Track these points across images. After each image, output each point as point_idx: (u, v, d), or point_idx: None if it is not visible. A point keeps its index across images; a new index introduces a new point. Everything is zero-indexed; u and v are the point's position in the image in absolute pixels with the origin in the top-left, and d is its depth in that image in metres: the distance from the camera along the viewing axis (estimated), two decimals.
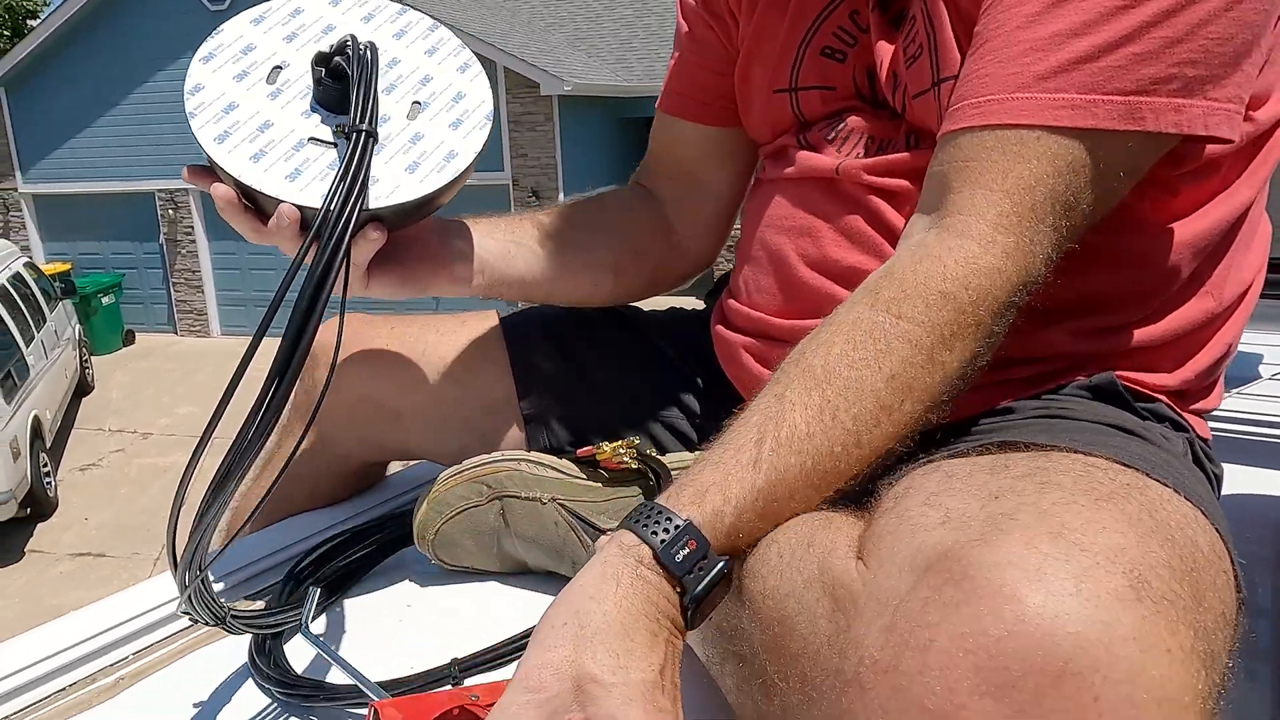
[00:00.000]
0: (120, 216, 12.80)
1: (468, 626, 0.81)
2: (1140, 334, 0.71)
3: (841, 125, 0.82)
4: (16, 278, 8.67)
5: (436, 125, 0.79)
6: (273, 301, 0.62)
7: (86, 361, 10.46)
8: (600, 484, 0.84)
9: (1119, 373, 0.70)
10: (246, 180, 0.72)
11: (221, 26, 0.79)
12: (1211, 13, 0.57)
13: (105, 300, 11.82)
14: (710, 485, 0.56)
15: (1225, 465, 0.77)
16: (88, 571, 6.88)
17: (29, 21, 22.99)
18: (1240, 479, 0.99)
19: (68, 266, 11.86)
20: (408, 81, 0.81)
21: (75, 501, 7.92)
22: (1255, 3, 0.58)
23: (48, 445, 8.05)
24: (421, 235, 0.85)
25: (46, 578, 6.83)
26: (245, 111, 0.75)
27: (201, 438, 0.61)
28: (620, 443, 0.83)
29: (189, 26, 11.79)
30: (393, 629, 0.82)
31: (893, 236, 0.75)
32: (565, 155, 11.32)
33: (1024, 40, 0.61)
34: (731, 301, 0.90)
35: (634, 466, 0.82)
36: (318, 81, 0.76)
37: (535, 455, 0.86)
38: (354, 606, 0.87)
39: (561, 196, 11.18)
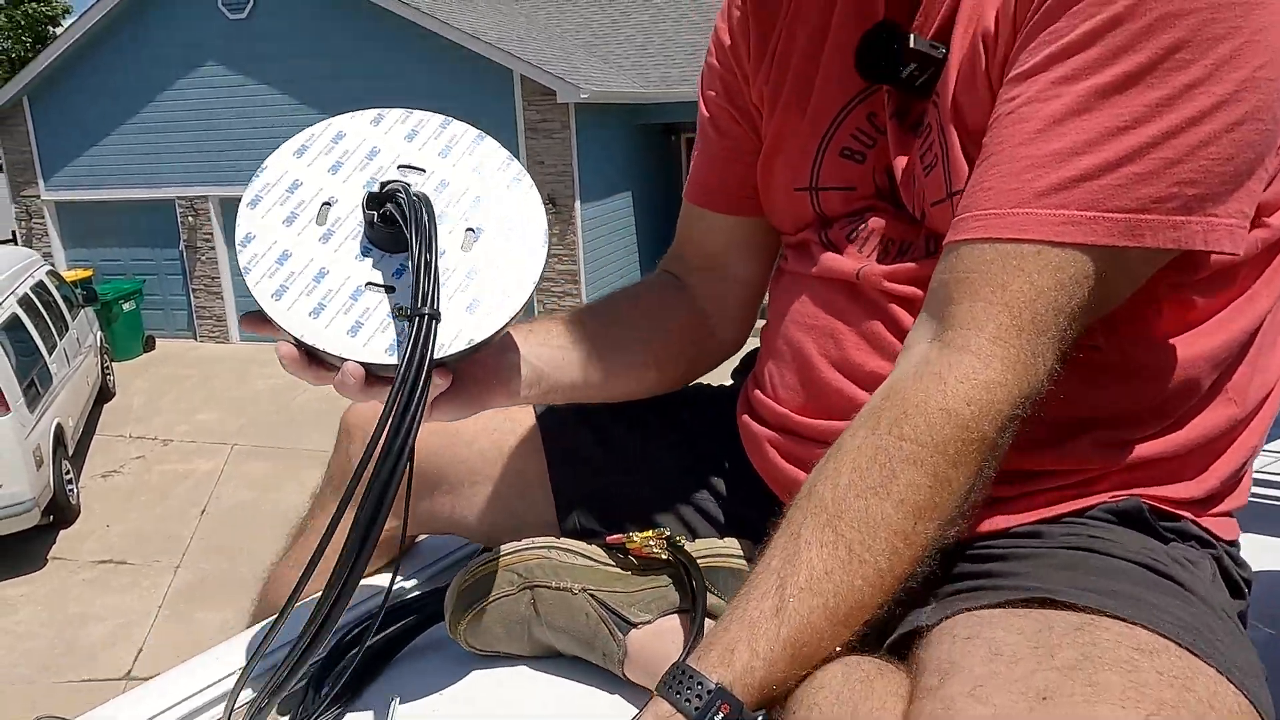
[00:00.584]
0: (141, 223, 12.91)
1: (501, 710, 0.82)
2: (1162, 445, 0.71)
3: (862, 225, 0.83)
4: (40, 286, 8.77)
5: (493, 254, 0.76)
6: (356, 470, 0.67)
7: (108, 368, 10.57)
8: (630, 572, 0.85)
9: (1143, 490, 0.71)
10: (309, 340, 0.71)
11: (265, 163, 0.77)
12: (1212, 134, 0.58)
13: (126, 306, 11.94)
14: (737, 642, 0.56)
15: (1257, 536, 0.77)
16: (109, 579, 6.95)
17: (52, 29, 23.21)
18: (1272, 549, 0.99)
19: (89, 273, 11.99)
20: (459, 206, 0.78)
21: (97, 508, 8.01)
22: (1257, 123, 0.59)
23: (70, 452, 8.13)
24: (477, 357, 0.86)
25: (69, 585, 6.91)
26: (299, 260, 0.73)
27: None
28: (650, 533, 0.84)
29: (208, 35, 11.90)
30: (425, 713, 0.84)
31: None
32: (582, 162, 11.34)
33: (1027, 156, 0.61)
34: (757, 393, 0.90)
35: (663, 557, 0.83)
36: (370, 223, 0.74)
37: (565, 542, 0.87)
38: (387, 686, 0.88)
39: (578, 204, 11.21)
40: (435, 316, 0.69)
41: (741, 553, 0.86)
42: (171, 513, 7.83)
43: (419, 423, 0.66)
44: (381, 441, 0.65)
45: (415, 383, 0.67)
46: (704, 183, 0.99)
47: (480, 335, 0.73)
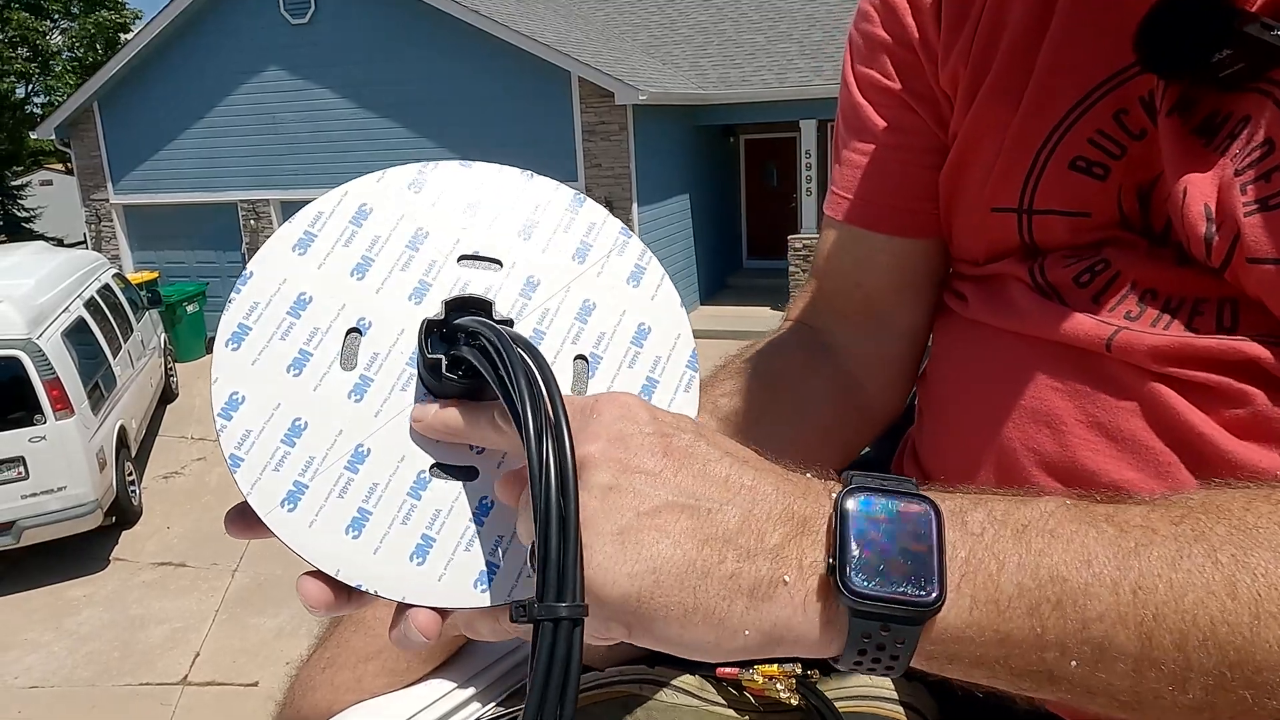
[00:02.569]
0: (204, 226, 13.13)
1: None
2: None
3: (1102, 267, 0.59)
4: (105, 289, 8.90)
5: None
6: None
7: (171, 369, 10.71)
8: (747, 717, 0.67)
9: None
10: (348, 576, 0.44)
11: (249, 267, 0.48)
12: None
13: (190, 309, 12.12)
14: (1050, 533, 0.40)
15: None
16: (169, 581, 7.00)
17: (123, 36, 23.86)
18: None
19: (155, 275, 12.19)
20: (560, 319, 0.50)
21: (158, 510, 8.09)
22: None
23: (133, 454, 8.23)
24: None
25: (131, 585, 6.97)
26: (320, 435, 0.46)
27: None
28: (776, 670, 0.65)
29: (270, 40, 12.05)
30: None
31: (1189, 451, 0.53)
32: (639, 165, 11.20)
33: None
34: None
35: (792, 703, 0.65)
36: (433, 371, 0.47)
37: (662, 672, 0.69)
38: None
39: (635, 207, 11.06)
40: (577, 619, 0.38)
41: (894, 691, 0.67)
42: None
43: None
44: None
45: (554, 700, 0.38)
46: (865, 194, 0.73)
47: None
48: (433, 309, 0.48)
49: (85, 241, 13.89)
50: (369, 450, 0.46)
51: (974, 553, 0.40)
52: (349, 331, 0.48)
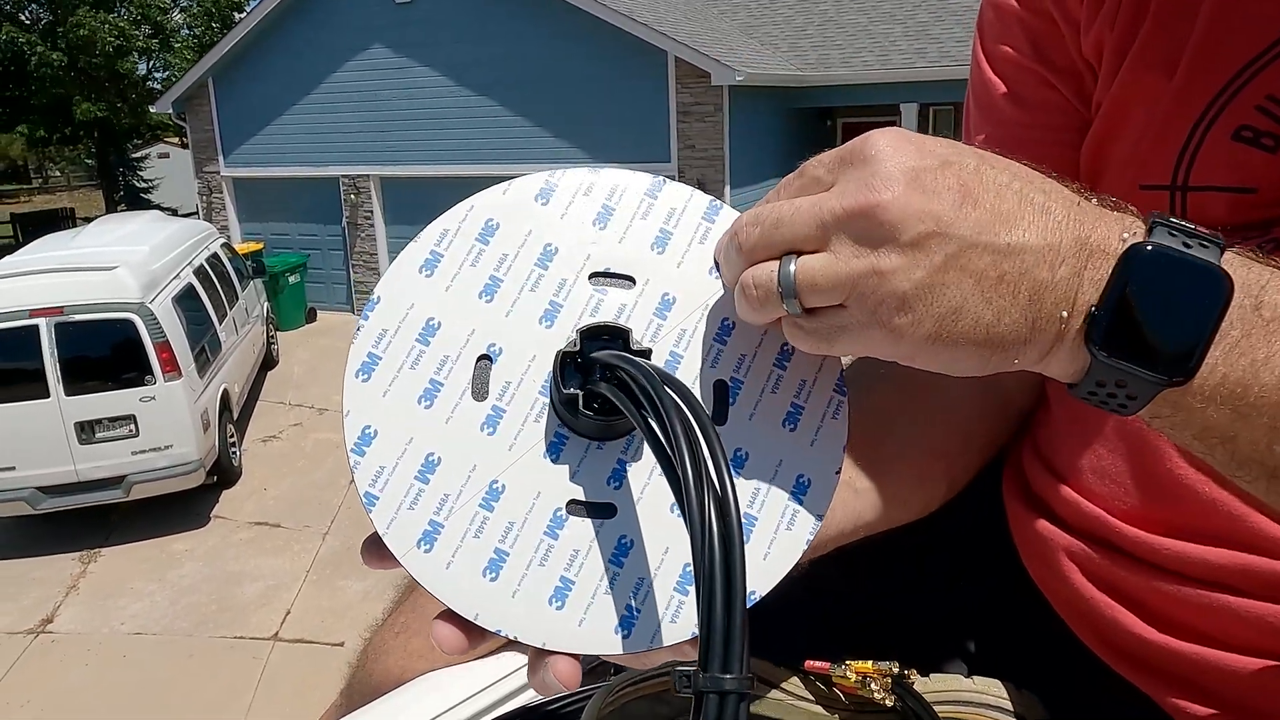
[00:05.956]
0: (307, 200, 13.54)
1: None
2: None
3: (1271, 249, 0.52)
4: (214, 257, 9.26)
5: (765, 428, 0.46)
6: None
7: (272, 337, 11.11)
8: (837, 716, 0.61)
9: None
10: (487, 622, 0.42)
11: (376, 291, 0.46)
12: None
13: (291, 279, 12.54)
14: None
15: None
16: (264, 540, 7.27)
17: (237, 15, 24.77)
18: None
19: (260, 246, 12.65)
20: (697, 341, 0.46)
21: (257, 472, 8.41)
22: None
23: (235, 417, 8.56)
24: None
25: (229, 543, 7.28)
26: (454, 470, 0.43)
27: None
28: (871, 666, 0.60)
29: (375, 19, 12.31)
30: None
31: None
32: (733, 146, 11.04)
33: None
34: (1048, 477, 0.64)
35: (887, 704, 0.59)
36: (569, 406, 0.44)
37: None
38: None
39: (728, 189, 10.93)
40: (744, 693, 0.34)
41: (1006, 700, 0.61)
42: (323, 480, 8.12)
43: None
44: None
45: None
46: None
47: (764, 586, 0.44)
48: (564, 332, 0.45)
49: (197, 212, 14.49)
50: (504, 486, 0.44)
51: (1248, 336, 0.39)
52: (479, 359, 0.45)
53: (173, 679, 5.69)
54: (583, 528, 0.44)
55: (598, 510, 0.44)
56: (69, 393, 6.88)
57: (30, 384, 6.85)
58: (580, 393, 0.43)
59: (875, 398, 0.66)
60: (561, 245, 0.47)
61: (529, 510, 0.43)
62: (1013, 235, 0.39)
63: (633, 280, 0.47)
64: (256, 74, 13.27)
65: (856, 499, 0.62)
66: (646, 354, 0.44)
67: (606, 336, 0.44)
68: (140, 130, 26.84)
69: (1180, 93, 0.54)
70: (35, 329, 6.78)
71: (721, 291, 0.47)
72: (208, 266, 8.94)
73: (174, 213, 14.87)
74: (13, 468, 6.88)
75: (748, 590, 0.40)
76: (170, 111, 14.48)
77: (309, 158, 13.29)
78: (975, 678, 0.63)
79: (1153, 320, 0.38)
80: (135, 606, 6.50)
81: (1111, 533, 0.58)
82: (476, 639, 0.43)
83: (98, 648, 6.06)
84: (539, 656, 0.43)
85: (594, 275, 0.47)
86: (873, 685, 0.60)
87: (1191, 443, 0.41)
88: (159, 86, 24.36)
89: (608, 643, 0.42)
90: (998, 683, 0.62)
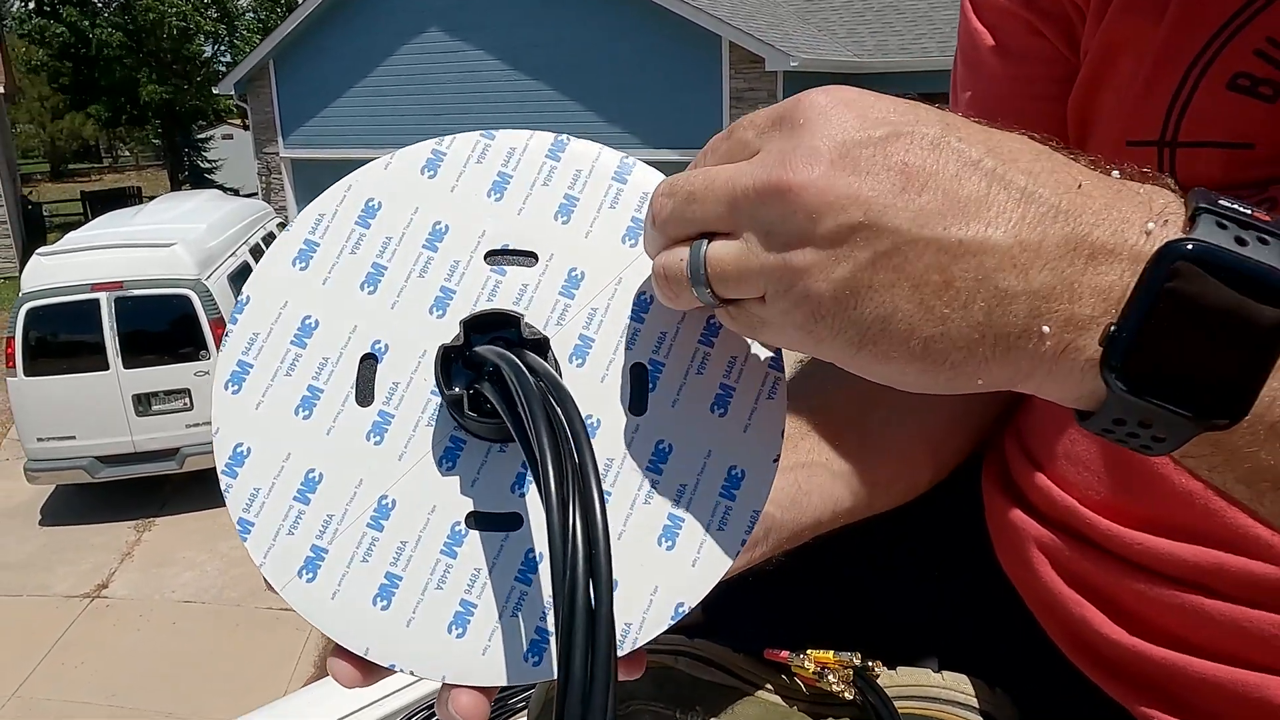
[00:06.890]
0: None
1: None
2: None
3: (1268, 209, 0.47)
4: (269, 237, 9.43)
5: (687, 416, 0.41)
6: None
7: None
8: (795, 707, 0.59)
9: None
10: (378, 656, 0.38)
11: (245, 291, 0.41)
12: None
13: None
14: None
15: None
16: None
17: None
18: None
19: None
20: (611, 320, 0.41)
21: None
22: None
23: None
24: None
25: None
26: (337, 487, 0.39)
27: None
28: (831, 656, 0.57)
29: (431, 3, 12.39)
30: None
31: None
32: None
33: None
34: (1023, 463, 0.60)
35: (846, 696, 0.56)
36: (455, 407, 0.39)
37: (701, 645, 0.61)
38: None
39: None
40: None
41: (973, 698, 0.58)
42: None
43: None
44: None
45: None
46: None
47: (693, 596, 0.39)
48: (456, 324, 0.40)
49: (257, 192, 14.79)
50: (394, 501, 0.39)
51: None
52: (363, 359, 0.40)
53: (219, 647, 5.85)
54: (485, 542, 0.39)
55: (501, 522, 0.39)
56: (127, 365, 7.08)
57: (91, 356, 7.06)
58: (466, 393, 0.38)
59: (839, 390, 0.62)
60: (452, 222, 0.42)
61: (423, 527, 0.39)
62: (968, 229, 0.31)
63: (535, 256, 0.42)
64: (316, 56, 13.47)
65: (834, 483, 0.59)
66: (544, 343, 0.39)
67: (496, 325, 0.39)
68: (205, 112, 27.49)
69: (1170, 36, 0.48)
70: (96, 303, 6.98)
71: (635, 261, 0.42)
72: (263, 245, 9.11)
73: (235, 193, 15.18)
74: (73, 437, 7.11)
75: (676, 603, 0.38)
76: (232, 93, 14.79)
77: (365, 140, 13.45)
78: (945, 673, 0.59)
79: (1192, 347, 0.30)
80: (186, 575, 6.68)
81: (1083, 524, 0.54)
82: (373, 673, 0.39)
83: (150, 614, 6.25)
84: (445, 688, 0.39)
85: (490, 254, 0.42)
86: (830, 677, 0.57)
87: (1234, 486, 0.34)
88: (224, 69, 24.92)
89: (516, 672, 0.38)
90: (966, 679, 0.58)
